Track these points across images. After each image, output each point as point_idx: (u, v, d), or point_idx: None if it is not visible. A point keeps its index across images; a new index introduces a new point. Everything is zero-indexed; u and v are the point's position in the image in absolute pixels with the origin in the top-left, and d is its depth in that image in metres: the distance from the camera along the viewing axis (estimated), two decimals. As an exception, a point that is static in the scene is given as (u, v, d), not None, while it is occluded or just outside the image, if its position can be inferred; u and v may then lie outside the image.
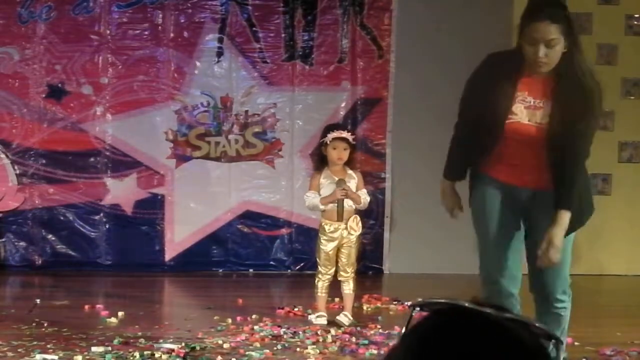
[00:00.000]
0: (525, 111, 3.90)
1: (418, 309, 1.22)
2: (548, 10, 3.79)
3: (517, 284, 4.10)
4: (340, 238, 5.78)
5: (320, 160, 5.88)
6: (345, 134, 5.80)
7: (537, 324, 1.18)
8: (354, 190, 5.78)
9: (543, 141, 3.89)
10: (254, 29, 7.91)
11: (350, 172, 5.83)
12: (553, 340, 1.22)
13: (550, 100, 3.88)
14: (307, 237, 7.61)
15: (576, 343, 5.34)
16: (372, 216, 7.91)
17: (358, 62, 7.97)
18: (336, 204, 5.74)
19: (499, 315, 1.15)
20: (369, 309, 6.45)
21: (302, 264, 7.93)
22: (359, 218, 5.84)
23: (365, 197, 5.82)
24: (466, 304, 1.17)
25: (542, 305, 4.11)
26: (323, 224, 5.81)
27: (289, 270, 8.00)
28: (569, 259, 4.07)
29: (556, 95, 3.86)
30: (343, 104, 8.00)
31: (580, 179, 3.94)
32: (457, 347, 1.11)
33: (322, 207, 5.77)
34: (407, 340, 1.16)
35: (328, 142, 5.76)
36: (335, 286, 5.94)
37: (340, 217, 5.73)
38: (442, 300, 1.19)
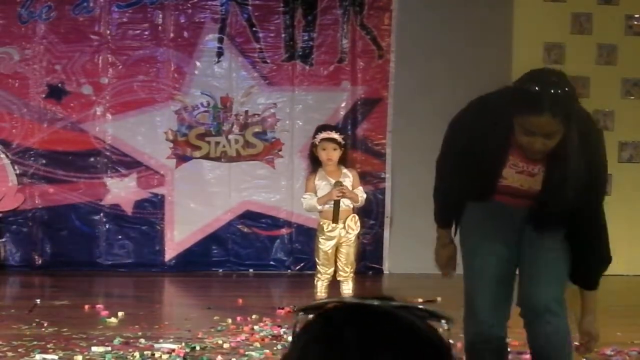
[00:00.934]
0: (517, 176, 3.43)
1: (302, 313, 1.21)
2: (550, 102, 3.15)
3: (506, 324, 3.58)
4: (339, 237, 5.76)
5: (313, 162, 5.86)
6: (333, 134, 5.77)
7: (420, 307, 1.18)
8: (349, 188, 5.75)
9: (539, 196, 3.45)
10: (254, 29, 7.91)
11: (345, 171, 5.80)
12: (443, 320, 1.22)
13: (545, 167, 3.37)
14: (307, 237, 7.60)
15: (576, 343, 5.33)
16: (372, 216, 7.92)
17: (358, 62, 7.98)
18: (332, 206, 5.69)
19: (386, 305, 1.16)
20: (369, 309, 6.44)
21: (302, 264, 7.93)
22: (357, 217, 5.83)
23: (362, 195, 5.79)
24: (348, 300, 1.18)
25: (531, 321, 3.53)
26: (321, 223, 5.80)
27: (289, 270, 8.00)
28: (567, 269, 3.54)
29: (554, 162, 3.33)
30: (343, 104, 7.99)
31: (604, 250, 3.50)
32: (344, 343, 1.11)
33: (319, 207, 5.75)
34: (297, 345, 1.16)
35: (317, 143, 5.75)
36: (334, 286, 5.93)
37: (335, 219, 5.69)
38: (325, 301, 1.20)
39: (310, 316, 1.19)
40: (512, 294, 3.56)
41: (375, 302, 1.16)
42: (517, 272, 3.60)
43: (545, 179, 3.39)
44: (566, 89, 3.20)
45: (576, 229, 3.47)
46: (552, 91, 3.16)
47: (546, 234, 3.48)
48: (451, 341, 1.19)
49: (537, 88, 3.18)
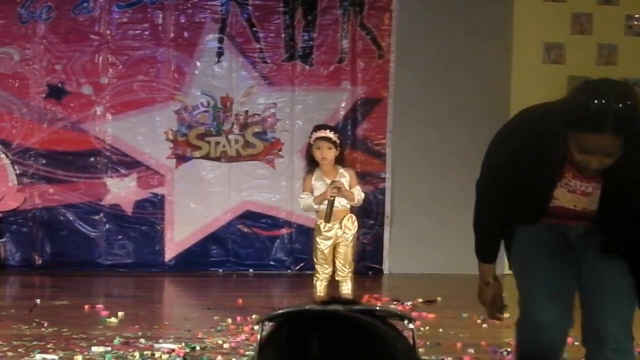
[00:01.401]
0: (569, 195, 3.11)
1: (266, 323, 1.21)
2: (614, 120, 2.78)
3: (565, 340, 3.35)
4: (336, 237, 5.76)
5: (310, 162, 5.85)
6: (327, 133, 5.76)
7: (378, 307, 1.19)
8: (346, 188, 5.73)
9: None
10: (254, 29, 7.91)
11: (341, 170, 5.79)
12: (406, 320, 1.22)
13: (602, 184, 3.06)
14: (307, 237, 7.59)
15: (576, 343, 5.32)
16: (372, 216, 7.91)
17: (358, 62, 7.97)
18: (327, 205, 5.67)
19: (348, 310, 1.16)
20: (369, 309, 6.43)
21: (302, 264, 7.93)
22: (354, 217, 5.81)
23: (359, 194, 5.76)
24: (307, 307, 1.18)
25: (595, 354, 3.27)
26: (318, 223, 5.79)
27: (289, 270, 8.00)
28: (634, 294, 3.21)
29: (611, 180, 3.03)
30: (343, 104, 7.99)
31: None
32: (308, 355, 1.11)
33: (316, 206, 5.74)
34: (263, 356, 1.16)
35: (312, 142, 5.75)
36: (334, 286, 5.93)
37: (328, 218, 5.67)
38: (285, 310, 1.19)
39: (270, 324, 1.19)
40: (571, 310, 3.31)
41: (338, 308, 1.16)
42: (575, 295, 3.33)
43: (602, 197, 3.07)
44: (629, 102, 2.81)
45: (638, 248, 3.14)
46: (616, 106, 2.78)
47: (607, 255, 3.17)
48: (417, 340, 1.20)
49: (598, 102, 2.79)
